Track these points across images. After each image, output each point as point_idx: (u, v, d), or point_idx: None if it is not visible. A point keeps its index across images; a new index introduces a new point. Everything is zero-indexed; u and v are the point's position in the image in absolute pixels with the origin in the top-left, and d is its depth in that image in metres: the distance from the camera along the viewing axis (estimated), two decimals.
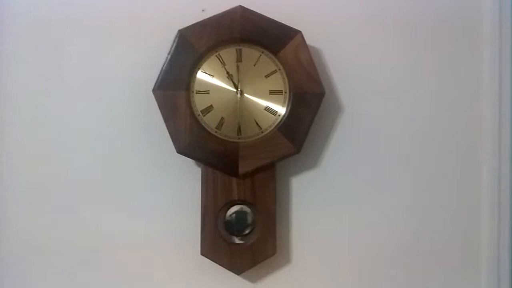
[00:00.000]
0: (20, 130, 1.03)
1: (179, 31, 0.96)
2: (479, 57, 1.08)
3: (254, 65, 0.99)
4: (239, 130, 0.98)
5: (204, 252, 0.99)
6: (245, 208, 1.00)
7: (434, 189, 1.07)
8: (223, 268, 0.99)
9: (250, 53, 0.98)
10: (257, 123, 0.99)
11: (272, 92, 0.99)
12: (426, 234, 1.07)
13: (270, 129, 0.99)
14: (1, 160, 1.02)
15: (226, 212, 1.00)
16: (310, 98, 0.98)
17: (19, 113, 1.03)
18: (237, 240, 1.00)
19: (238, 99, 0.98)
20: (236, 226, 1.00)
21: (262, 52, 0.99)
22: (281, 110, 0.99)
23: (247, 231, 1.01)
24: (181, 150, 0.97)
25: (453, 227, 1.07)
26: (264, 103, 0.99)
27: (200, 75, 0.98)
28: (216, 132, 0.98)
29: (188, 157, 0.98)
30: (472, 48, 1.08)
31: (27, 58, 1.02)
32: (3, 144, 1.02)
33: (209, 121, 0.98)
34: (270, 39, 0.98)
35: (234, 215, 1.00)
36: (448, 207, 1.07)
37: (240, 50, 0.98)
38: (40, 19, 1.02)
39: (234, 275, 1.00)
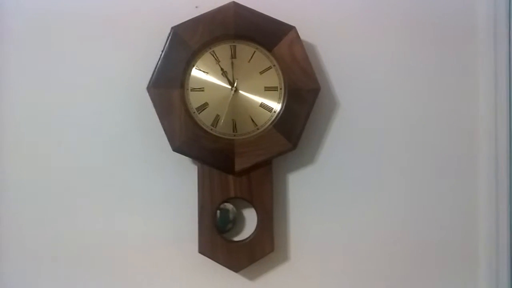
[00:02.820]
0: (16, 129, 1.02)
1: (172, 28, 0.96)
2: (475, 56, 1.08)
3: (249, 61, 0.98)
4: (234, 127, 0.98)
5: (202, 250, 0.99)
6: (227, 206, 1.01)
7: (431, 185, 1.07)
8: (221, 266, 0.99)
9: (245, 49, 0.98)
10: (252, 120, 0.98)
11: (267, 89, 0.99)
12: (424, 230, 1.07)
13: (266, 125, 0.98)
14: (1, 160, 1.02)
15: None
16: (305, 94, 0.98)
17: (15, 112, 1.02)
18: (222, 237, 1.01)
19: (233, 96, 0.98)
20: (219, 224, 1.00)
21: (257, 49, 0.98)
22: (277, 106, 0.99)
23: (228, 228, 1.01)
24: (176, 148, 0.96)
25: (450, 225, 1.07)
26: (259, 99, 0.99)
27: (195, 72, 0.97)
28: (211, 129, 0.98)
29: (184, 155, 0.98)
30: (468, 46, 1.08)
31: (22, 57, 1.02)
32: (1, 143, 1.02)
33: (205, 119, 0.97)
34: (264, 35, 0.97)
35: (218, 211, 1.00)
36: (445, 204, 1.07)
37: (234, 46, 0.98)
38: (34, 18, 1.02)
39: (232, 272, 1.00)
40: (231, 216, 1.01)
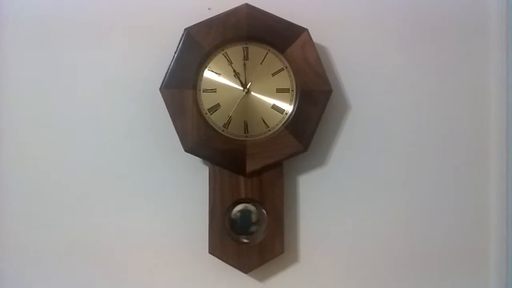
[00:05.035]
0: (29, 130, 1.03)
1: (186, 29, 0.96)
2: (486, 56, 1.07)
3: (261, 63, 0.98)
4: (246, 129, 0.98)
5: (212, 251, 0.99)
6: (250, 207, 1.00)
7: (442, 187, 1.07)
8: (231, 267, 0.99)
9: (257, 51, 0.98)
10: (264, 122, 0.99)
11: (279, 90, 0.99)
12: (435, 232, 1.06)
13: (277, 127, 0.98)
14: (3, 160, 1.02)
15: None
16: (317, 96, 0.98)
17: (28, 113, 1.03)
18: (243, 239, 1.00)
19: (245, 97, 0.98)
20: (241, 225, 1.00)
21: (269, 50, 0.98)
22: (288, 108, 0.99)
23: (252, 230, 1.00)
24: (188, 149, 0.96)
25: (461, 226, 1.07)
26: (271, 101, 0.99)
27: (207, 73, 0.98)
28: (223, 130, 0.98)
29: (195, 155, 0.98)
30: (479, 46, 1.07)
31: (33, 58, 1.03)
32: (6, 144, 1.02)
33: (216, 120, 0.98)
34: (276, 37, 0.97)
35: (239, 214, 1.00)
36: (458, 205, 1.07)
37: (247, 48, 0.98)
38: (46, 19, 1.03)
39: (242, 273, 1.00)
40: (253, 217, 1.00)
